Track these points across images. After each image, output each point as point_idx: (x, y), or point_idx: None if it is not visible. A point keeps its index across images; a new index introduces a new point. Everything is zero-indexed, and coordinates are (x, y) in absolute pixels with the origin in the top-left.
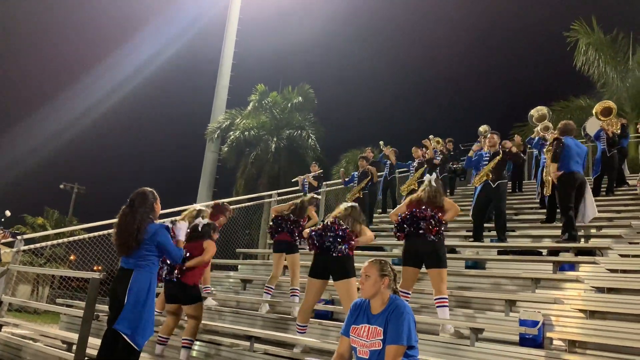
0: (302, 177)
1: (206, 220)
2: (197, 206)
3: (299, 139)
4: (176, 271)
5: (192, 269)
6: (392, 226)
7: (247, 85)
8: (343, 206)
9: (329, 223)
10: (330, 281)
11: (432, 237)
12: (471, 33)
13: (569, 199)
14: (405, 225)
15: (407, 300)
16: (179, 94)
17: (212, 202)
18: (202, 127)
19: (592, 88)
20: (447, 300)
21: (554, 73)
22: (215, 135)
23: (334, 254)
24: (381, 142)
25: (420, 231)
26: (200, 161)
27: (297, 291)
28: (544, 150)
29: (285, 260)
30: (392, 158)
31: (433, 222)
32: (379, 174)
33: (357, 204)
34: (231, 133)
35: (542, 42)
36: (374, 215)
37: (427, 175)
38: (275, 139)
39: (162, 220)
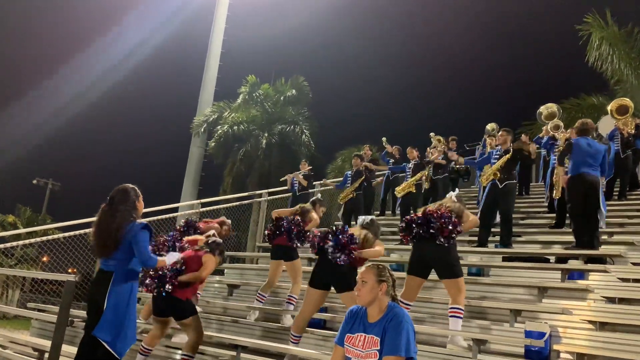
0: (291, 175)
1: (218, 239)
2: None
3: (292, 134)
4: (167, 285)
5: (185, 283)
6: (390, 230)
7: (236, 76)
8: (360, 220)
9: (337, 229)
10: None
11: (441, 239)
12: (477, 25)
13: (576, 204)
14: (413, 225)
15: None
16: (165, 86)
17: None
18: (189, 121)
19: (605, 85)
20: (461, 311)
21: (565, 69)
22: (202, 130)
23: (333, 263)
24: (384, 139)
25: (431, 231)
26: (186, 157)
27: (294, 299)
28: (554, 150)
29: (284, 268)
30: (397, 156)
31: (447, 222)
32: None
33: (374, 218)
34: (219, 127)
35: (553, 35)
36: None
37: (451, 192)
38: (266, 135)
39: (147, 219)
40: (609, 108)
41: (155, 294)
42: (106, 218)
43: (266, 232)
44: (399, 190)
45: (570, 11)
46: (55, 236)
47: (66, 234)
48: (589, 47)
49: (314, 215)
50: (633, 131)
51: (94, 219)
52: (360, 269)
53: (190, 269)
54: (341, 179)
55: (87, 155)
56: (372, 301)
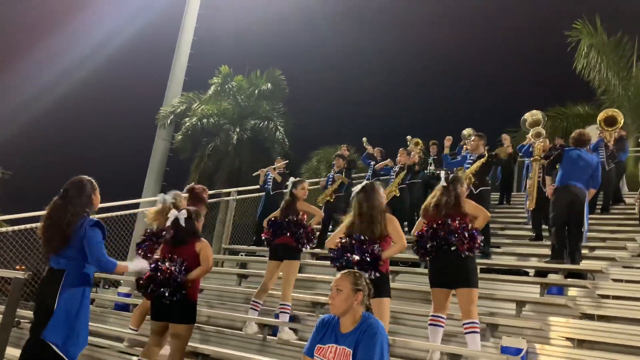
0: (264, 170)
1: (185, 212)
2: (168, 197)
3: (265, 130)
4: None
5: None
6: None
7: (208, 66)
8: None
9: (356, 240)
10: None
11: (466, 253)
12: (462, 28)
13: (559, 215)
14: (428, 242)
15: (441, 327)
16: (133, 74)
17: (188, 187)
18: (155, 112)
19: (591, 95)
20: (478, 325)
21: (552, 76)
22: (168, 121)
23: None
24: (364, 139)
25: (452, 248)
26: (150, 150)
27: (288, 307)
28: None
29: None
30: (378, 158)
31: (466, 236)
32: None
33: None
34: (187, 119)
35: (541, 40)
36: None
37: (442, 173)
38: (237, 130)
39: (101, 216)
40: (598, 118)
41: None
42: (57, 212)
43: (263, 237)
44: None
45: (560, 16)
46: (3, 229)
47: (15, 228)
48: (577, 55)
49: (311, 206)
50: (611, 144)
51: (44, 212)
52: (335, 276)
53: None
54: (317, 180)
55: (45, 145)
56: (346, 311)
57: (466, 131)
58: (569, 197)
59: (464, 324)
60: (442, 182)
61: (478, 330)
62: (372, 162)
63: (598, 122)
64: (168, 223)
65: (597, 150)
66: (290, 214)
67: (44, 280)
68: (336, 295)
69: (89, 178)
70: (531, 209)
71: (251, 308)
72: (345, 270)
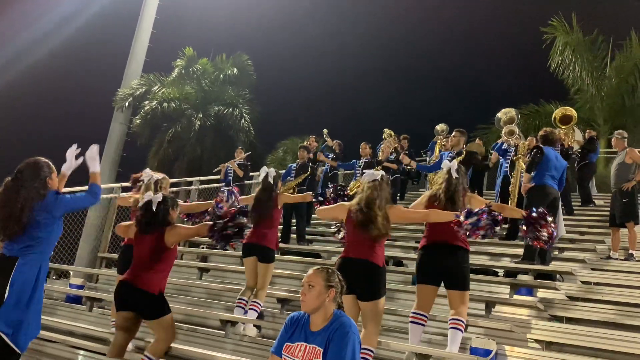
0: (225, 165)
1: (160, 196)
2: (155, 175)
3: (230, 118)
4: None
5: (152, 271)
6: (332, 230)
7: (171, 47)
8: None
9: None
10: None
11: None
12: (432, 19)
13: None
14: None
15: (423, 326)
16: (91, 52)
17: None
18: (113, 94)
19: (565, 93)
20: (464, 324)
21: (526, 73)
22: (126, 104)
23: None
24: (325, 131)
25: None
26: (106, 135)
27: (258, 306)
28: (506, 158)
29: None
30: (337, 151)
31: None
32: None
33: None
34: (146, 103)
35: (515, 36)
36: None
37: (446, 161)
38: (200, 116)
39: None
40: (553, 115)
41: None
42: (9, 194)
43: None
44: (352, 189)
45: (536, 13)
46: None
47: None
48: (552, 52)
49: (296, 197)
50: (573, 144)
51: None
52: (307, 272)
53: (145, 255)
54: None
55: None
56: (317, 308)
57: (439, 127)
58: (546, 197)
59: (450, 319)
60: (450, 170)
61: (462, 328)
62: (331, 155)
63: (553, 119)
64: (140, 204)
65: None
66: (271, 208)
67: None
68: (307, 291)
69: (46, 160)
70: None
71: (237, 305)
72: (318, 267)
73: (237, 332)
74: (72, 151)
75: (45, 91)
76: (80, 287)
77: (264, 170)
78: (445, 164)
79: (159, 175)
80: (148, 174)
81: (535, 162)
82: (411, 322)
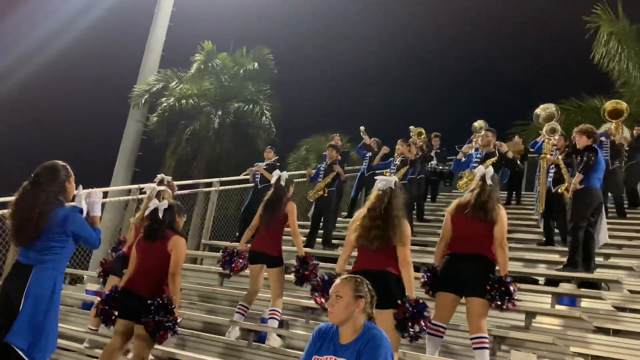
0: (253, 168)
1: (166, 203)
2: (156, 188)
3: (250, 115)
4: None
5: (162, 279)
6: None
7: (189, 41)
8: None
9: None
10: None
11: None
12: (470, 9)
13: (582, 218)
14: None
15: (441, 337)
16: (105, 47)
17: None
18: (129, 90)
19: (609, 87)
20: (488, 340)
21: (567, 65)
22: (143, 101)
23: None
24: (362, 128)
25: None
26: (121, 134)
27: (277, 314)
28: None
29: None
30: (375, 150)
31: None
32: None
33: None
34: (164, 99)
35: (557, 26)
36: (338, 220)
37: (480, 167)
38: (219, 113)
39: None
40: (603, 107)
41: (112, 291)
42: (28, 199)
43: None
44: (460, 186)
45: (578, 1)
46: None
47: None
48: (595, 43)
49: (294, 217)
50: (624, 141)
51: (12, 198)
52: (335, 282)
53: (148, 262)
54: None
55: (8, 126)
56: (346, 319)
57: (477, 123)
58: (593, 201)
59: (472, 339)
60: (485, 176)
61: (488, 345)
62: (368, 154)
63: (602, 112)
64: (146, 212)
65: (600, 146)
66: (276, 214)
67: (9, 276)
68: (335, 302)
69: (63, 163)
70: (542, 211)
71: (237, 312)
72: (346, 275)
73: (268, 343)
74: (80, 195)
75: (58, 89)
76: (96, 293)
77: (276, 173)
78: (480, 169)
79: (160, 187)
80: (150, 187)
81: (590, 165)
82: (429, 333)
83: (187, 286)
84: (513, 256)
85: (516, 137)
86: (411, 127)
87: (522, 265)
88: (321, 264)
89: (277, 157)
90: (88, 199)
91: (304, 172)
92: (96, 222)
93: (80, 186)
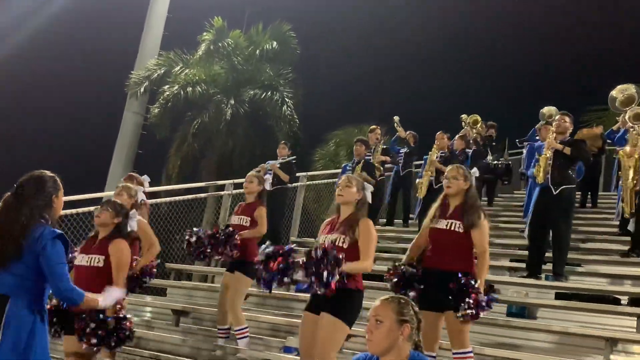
0: (266, 166)
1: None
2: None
3: (268, 103)
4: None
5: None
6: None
7: (196, 18)
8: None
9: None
10: None
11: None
12: None
13: None
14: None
15: None
16: (97, 25)
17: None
18: (125, 77)
19: None
20: (472, 355)
21: None
22: (142, 89)
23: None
24: (396, 118)
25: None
26: (117, 128)
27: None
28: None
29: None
30: (412, 145)
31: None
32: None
33: None
34: (166, 87)
35: None
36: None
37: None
38: (232, 102)
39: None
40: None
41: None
42: (9, 213)
43: None
44: (420, 183)
45: None
46: None
47: None
48: None
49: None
50: None
51: None
52: (374, 303)
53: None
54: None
55: None
56: (388, 349)
57: (547, 110)
58: None
59: (457, 353)
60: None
61: None
62: (404, 150)
63: None
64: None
65: None
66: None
67: None
68: (374, 328)
69: (52, 174)
70: (628, 216)
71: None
72: (387, 296)
73: None
74: (118, 295)
75: (40, 72)
76: None
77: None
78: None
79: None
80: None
81: None
82: None
83: (199, 308)
84: (589, 270)
85: (594, 125)
86: (463, 116)
87: (605, 282)
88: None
89: (294, 157)
90: (106, 294)
91: (332, 171)
92: (89, 304)
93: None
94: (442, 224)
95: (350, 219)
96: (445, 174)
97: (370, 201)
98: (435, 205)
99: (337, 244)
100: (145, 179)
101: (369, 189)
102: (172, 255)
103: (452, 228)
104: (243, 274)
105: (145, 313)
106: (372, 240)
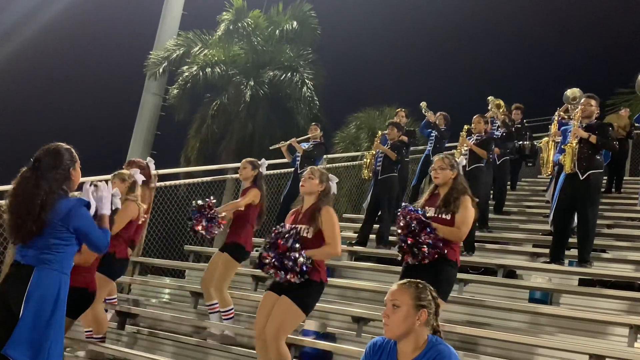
0: (285, 144)
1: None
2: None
3: (288, 85)
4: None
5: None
6: None
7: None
8: None
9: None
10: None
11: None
12: None
13: None
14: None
15: None
16: (117, 6)
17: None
18: (144, 57)
19: None
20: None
21: None
22: (161, 70)
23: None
24: (423, 104)
25: (415, 249)
26: (136, 109)
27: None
28: None
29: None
30: (442, 128)
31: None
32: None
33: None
34: (185, 68)
35: None
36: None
37: (462, 157)
38: (251, 83)
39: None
40: None
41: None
42: (27, 188)
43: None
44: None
45: None
46: None
47: None
48: None
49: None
50: None
51: (9, 187)
52: (391, 287)
53: None
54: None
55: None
56: (405, 333)
57: (571, 92)
58: None
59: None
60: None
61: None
62: (434, 133)
63: None
64: None
65: None
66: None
67: (6, 279)
68: (391, 313)
69: (68, 146)
70: None
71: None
72: (405, 280)
73: None
74: (87, 188)
75: (61, 56)
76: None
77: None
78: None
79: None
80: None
81: None
82: None
83: None
84: (615, 257)
85: (622, 109)
86: (490, 98)
87: (628, 268)
88: (374, 266)
89: (322, 133)
90: (95, 194)
91: (353, 154)
92: (104, 222)
93: (88, 180)
94: (431, 212)
95: (312, 208)
96: (433, 164)
97: (335, 192)
98: (424, 196)
99: (301, 234)
100: (150, 160)
101: (334, 180)
102: (191, 237)
103: (440, 216)
104: (231, 258)
105: (164, 295)
106: (334, 225)
